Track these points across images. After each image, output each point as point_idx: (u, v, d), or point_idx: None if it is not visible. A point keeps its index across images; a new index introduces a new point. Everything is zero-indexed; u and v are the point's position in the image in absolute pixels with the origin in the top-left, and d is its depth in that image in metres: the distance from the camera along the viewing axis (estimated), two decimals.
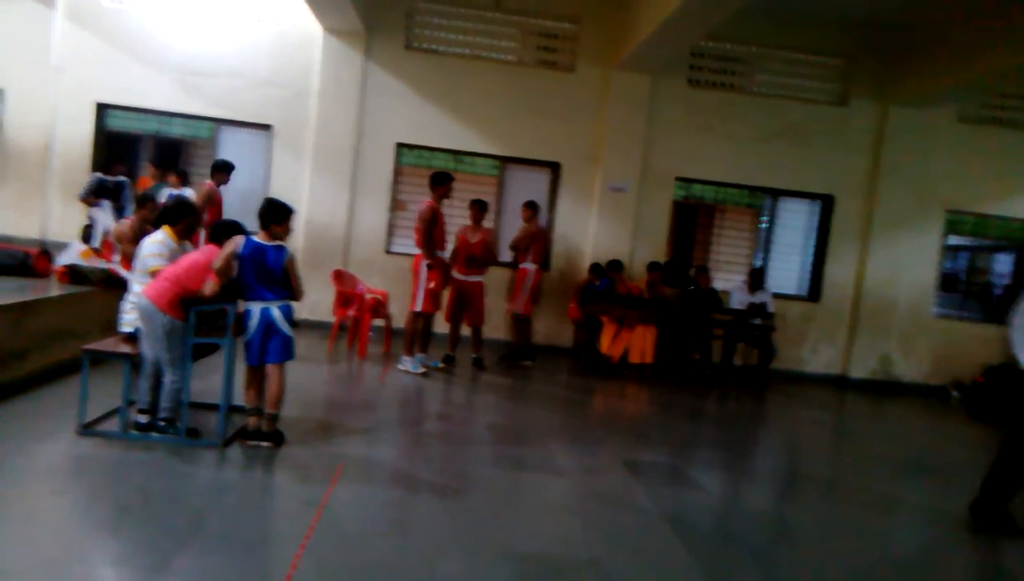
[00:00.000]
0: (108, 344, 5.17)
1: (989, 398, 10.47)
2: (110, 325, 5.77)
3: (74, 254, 7.40)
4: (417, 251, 7.91)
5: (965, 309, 11.63)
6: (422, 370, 7.84)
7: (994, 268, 12.96)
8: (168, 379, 4.88)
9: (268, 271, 4.88)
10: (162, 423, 4.92)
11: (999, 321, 11.19)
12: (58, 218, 9.88)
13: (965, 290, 12.32)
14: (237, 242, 4.84)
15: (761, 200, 11.15)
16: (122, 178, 9.22)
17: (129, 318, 5.14)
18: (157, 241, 5.17)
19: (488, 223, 10.10)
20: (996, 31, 8.67)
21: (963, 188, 10.88)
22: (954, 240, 11.64)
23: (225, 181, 8.87)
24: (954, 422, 9.31)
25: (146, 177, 9.62)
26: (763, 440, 7.59)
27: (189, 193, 9.14)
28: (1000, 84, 10.15)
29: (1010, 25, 8.45)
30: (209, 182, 8.74)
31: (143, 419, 4.92)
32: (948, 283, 11.82)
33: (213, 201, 8.45)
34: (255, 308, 4.91)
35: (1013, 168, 10.88)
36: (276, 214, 5.00)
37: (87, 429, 4.87)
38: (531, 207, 9.13)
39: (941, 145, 10.70)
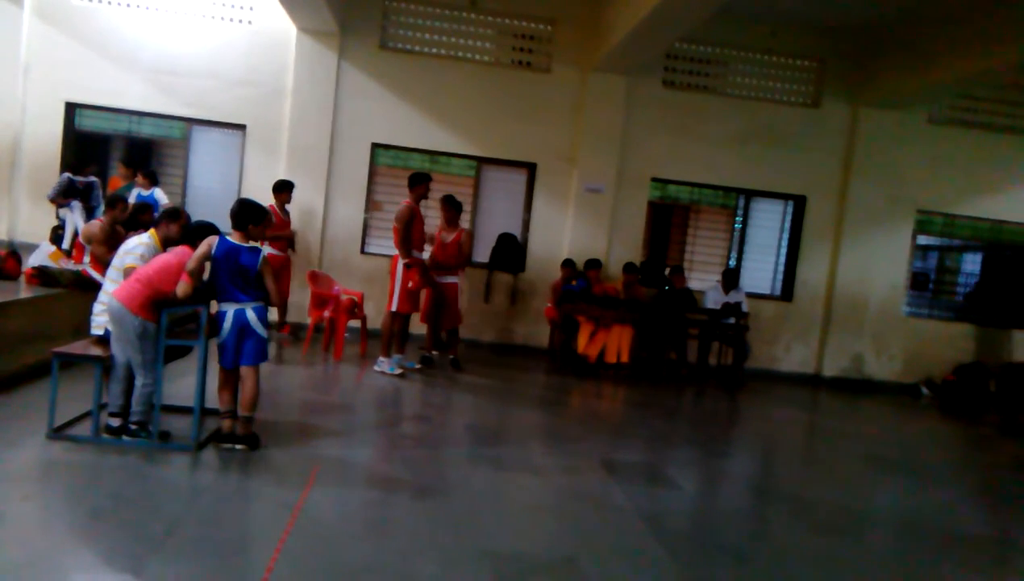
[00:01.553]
0: (79, 347, 5.09)
1: (959, 396, 10.66)
2: (81, 328, 5.68)
3: (43, 255, 7.27)
4: (394, 251, 7.88)
5: (935, 308, 11.81)
6: (399, 371, 7.81)
7: (963, 267, 13.19)
8: (140, 382, 4.80)
9: (243, 272, 4.83)
10: (134, 427, 4.84)
11: (969, 319, 11.43)
12: (27, 219, 9.72)
13: (935, 289, 12.53)
14: (210, 243, 4.78)
15: (735, 200, 11.25)
16: (92, 178, 9.08)
17: (100, 320, 5.08)
18: (143, 242, 5.15)
19: (464, 223, 10.12)
20: (965, 36, 8.82)
21: (933, 189, 11.05)
22: (924, 240, 11.81)
23: (288, 200, 9.06)
24: (925, 419, 9.45)
25: (117, 177, 9.50)
26: (738, 439, 7.65)
27: (159, 194, 9.06)
28: (969, 87, 10.31)
29: (978, 30, 8.60)
30: (270, 204, 8.82)
31: (115, 422, 4.84)
32: (918, 282, 12.00)
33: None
34: (229, 310, 4.86)
35: (981, 169, 11.07)
36: (255, 215, 4.97)
37: (57, 433, 4.80)
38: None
39: (911, 146, 10.85)
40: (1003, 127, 11.10)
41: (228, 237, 4.86)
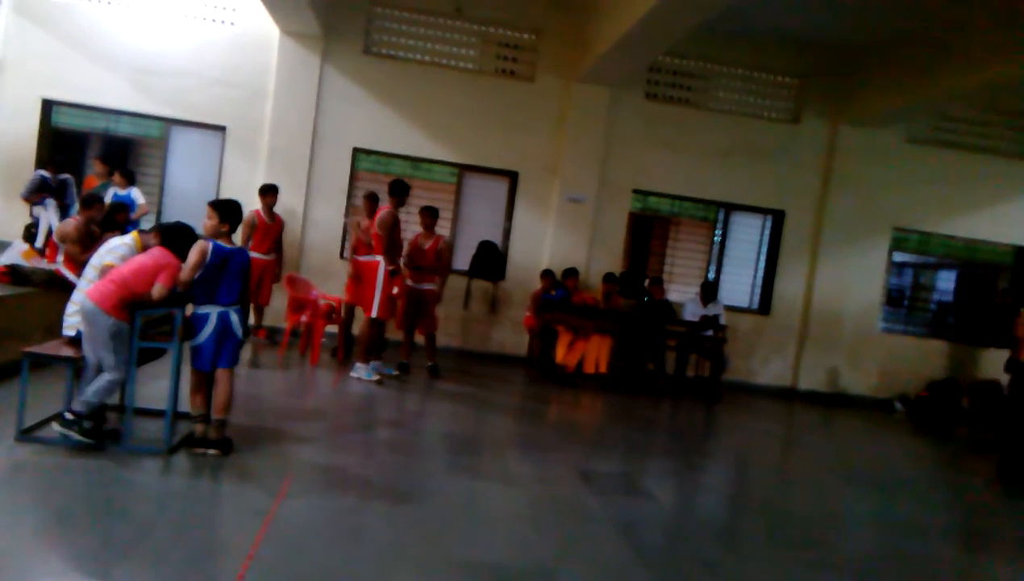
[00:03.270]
0: (50, 347, 5.00)
1: (932, 412, 10.77)
2: (53, 328, 5.58)
3: (16, 254, 7.14)
4: (373, 258, 7.83)
5: (910, 324, 11.94)
6: (376, 378, 7.75)
7: (937, 285, 13.36)
8: (106, 376, 4.62)
9: (233, 275, 4.82)
10: (70, 415, 4.60)
11: (942, 336, 11.57)
12: (0, 217, 9.55)
13: (910, 306, 12.67)
14: (203, 250, 4.73)
15: (715, 214, 11.32)
16: (66, 176, 8.96)
17: (72, 321, 4.99)
18: (125, 243, 5.12)
19: (445, 230, 10.11)
20: (943, 57, 8.96)
21: (909, 206, 11.18)
22: (900, 257, 11.95)
23: (273, 203, 9.06)
24: (898, 434, 9.54)
25: (92, 176, 9.37)
26: (714, 451, 7.68)
27: (136, 194, 8.95)
28: (947, 107, 10.46)
29: (956, 52, 8.75)
30: (256, 209, 8.83)
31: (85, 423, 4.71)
32: (894, 299, 12.13)
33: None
34: (212, 312, 4.81)
35: (958, 189, 11.22)
36: (239, 213, 4.97)
37: (25, 435, 4.69)
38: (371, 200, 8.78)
39: (889, 164, 10.98)
40: (979, 147, 11.26)
41: (217, 241, 4.81)
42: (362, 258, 8.43)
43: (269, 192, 9.00)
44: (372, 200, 8.81)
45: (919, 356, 11.28)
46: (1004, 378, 10.25)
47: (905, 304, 12.61)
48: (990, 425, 10.33)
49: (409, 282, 8.25)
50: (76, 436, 4.59)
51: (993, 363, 10.91)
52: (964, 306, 12.23)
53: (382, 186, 8.86)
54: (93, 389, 4.62)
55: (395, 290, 7.72)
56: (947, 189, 11.20)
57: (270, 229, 8.98)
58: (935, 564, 4.97)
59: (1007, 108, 10.99)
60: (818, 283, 11.01)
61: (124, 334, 4.65)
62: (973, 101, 10.16)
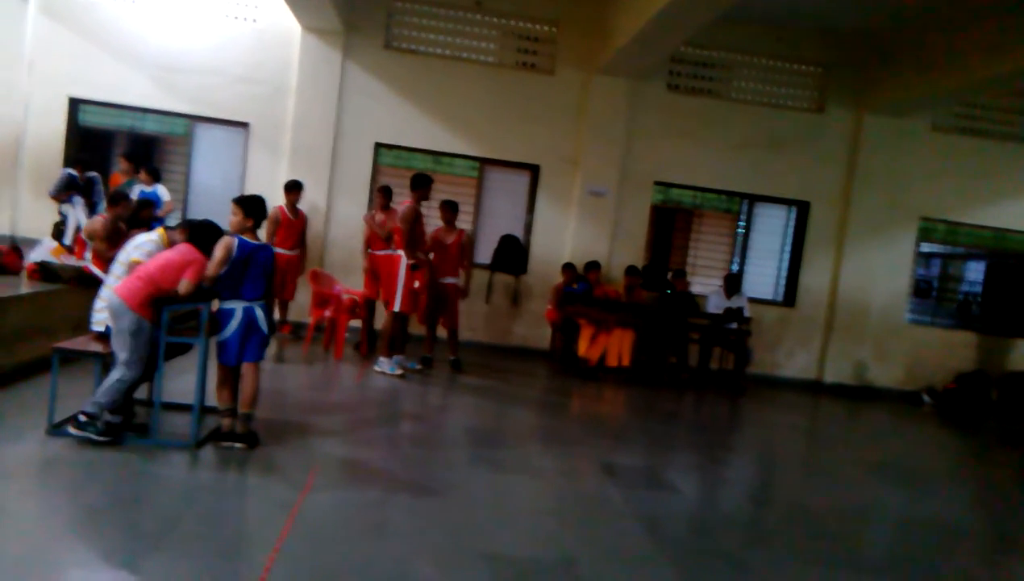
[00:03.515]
0: (79, 343, 5.08)
1: (961, 404, 10.63)
2: (81, 323, 5.67)
3: (45, 251, 7.27)
4: (395, 252, 7.87)
5: (938, 315, 11.78)
6: (399, 372, 7.79)
7: (966, 276, 13.16)
8: (115, 375, 4.66)
9: (260, 270, 4.88)
10: (82, 417, 4.65)
11: (971, 328, 11.41)
12: (29, 214, 9.70)
13: (938, 297, 12.50)
14: (229, 246, 4.78)
15: (738, 205, 11.22)
16: (93, 174, 9.07)
17: (101, 317, 5.06)
18: (152, 240, 5.18)
19: (466, 224, 10.12)
20: (969, 43, 8.79)
21: (936, 196, 11.02)
22: (927, 247, 11.79)
23: (297, 200, 9.09)
24: (926, 427, 9.42)
25: (118, 173, 9.48)
26: (738, 444, 7.63)
27: (161, 191, 9.05)
28: (973, 94, 10.28)
29: (983, 37, 8.58)
30: (279, 205, 8.93)
31: (114, 419, 4.79)
32: (921, 290, 11.97)
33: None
34: (238, 307, 4.86)
35: (985, 177, 11.04)
36: (264, 209, 5.06)
37: (57, 429, 4.78)
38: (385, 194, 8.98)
39: (915, 153, 10.83)
40: (1007, 135, 11.07)
41: (242, 236, 4.87)
42: (381, 253, 8.49)
43: (293, 189, 9.05)
44: (386, 194, 8.87)
45: (947, 348, 11.13)
46: None
47: (933, 295, 12.43)
48: (1020, 417, 10.19)
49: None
50: (93, 436, 4.65)
51: (1023, 354, 10.77)
52: (993, 297, 12.04)
53: (404, 181, 8.90)
54: (102, 389, 4.67)
55: (416, 284, 7.75)
56: (974, 178, 11.03)
57: (294, 225, 9.05)
58: (961, 561, 4.91)
59: None
60: (844, 274, 10.89)
61: (144, 332, 4.69)
62: (1000, 88, 9.97)
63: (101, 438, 4.66)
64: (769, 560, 4.43)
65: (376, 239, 8.73)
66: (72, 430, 4.65)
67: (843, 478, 6.61)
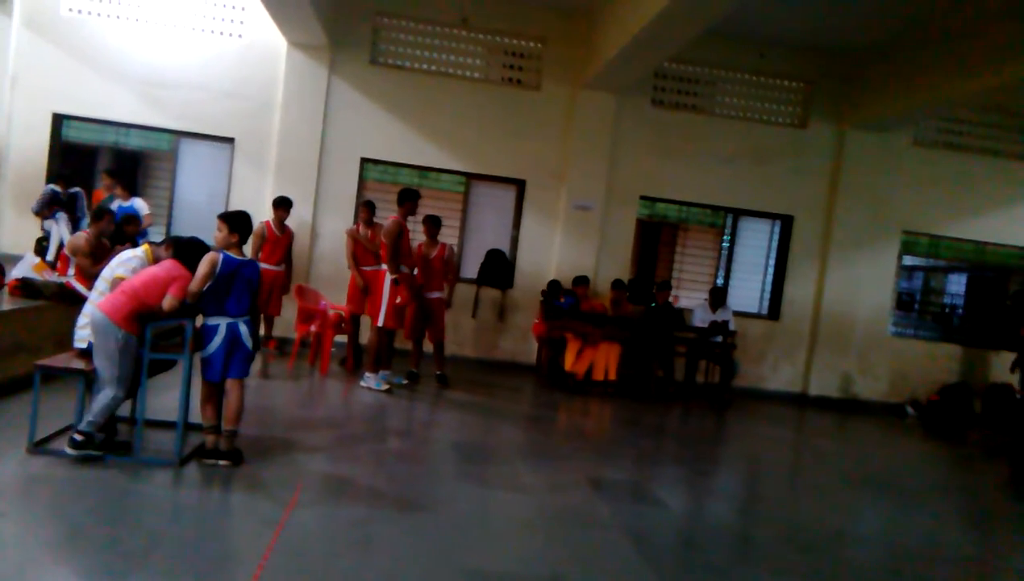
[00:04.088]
0: (61, 360, 5.03)
1: (944, 416, 10.70)
2: (64, 340, 5.63)
3: (27, 267, 7.20)
4: (381, 267, 7.86)
5: (921, 328, 11.88)
6: (385, 387, 7.77)
7: (948, 288, 13.30)
8: (107, 393, 4.64)
9: (244, 285, 4.86)
10: (78, 437, 4.61)
11: (953, 340, 11.51)
12: (11, 230, 9.64)
13: (920, 309, 12.61)
14: (214, 261, 4.76)
15: (723, 219, 11.30)
16: (76, 189, 9.03)
17: (84, 334, 5.01)
18: (137, 256, 5.18)
19: (453, 239, 10.13)
20: (950, 59, 8.94)
21: (918, 210, 11.15)
22: (909, 260, 11.90)
23: (285, 217, 9.05)
24: (910, 439, 9.47)
25: (101, 189, 9.44)
26: (725, 458, 7.64)
27: (139, 204, 8.99)
28: (954, 110, 10.43)
29: (963, 53, 8.72)
30: (266, 220, 8.92)
31: (98, 436, 4.75)
32: (904, 303, 12.08)
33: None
34: (222, 323, 4.84)
35: (966, 191, 11.18)
36: (249, 225, 5.04)
37: (38, 447, 4.73)
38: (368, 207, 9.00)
39: (897, 168, 10.96)
40: (987, 149, 11.24)
41: (228, 252, 4.85)
42: (369, 269, 8.49)
43: (282, 205, 9.00)
44: (369, 208, 8.87)
45: (930, 360, 11.23)
46: (1013, 379, 10.25)
47: (916, 308, 12.55)
48: (1003, 428, 10.26)
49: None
50: (93, 452, 4.65)
51: (1006, 366, 10.86)
52: (975, 309, 12.16)
53: (390, 196, 8.91)
54: (96, 408, 4.64)
55: (399, 299, 7.74)
56: (956, 192, 11.17)
57: (280, 241, 9.02)
58: (947, 570, 4.94)
59: (1015, 109, 10.97)
60: (828, 288, 10.98)
61: (132, 347, 4.67)
62: (981, 103, 10.12)
63: (97, 453, 4.66)
64: (756, 574, 4.43)
65: (365, 254, 8.72)
66: (70, 450, 4.61)
67: (829, 491, 6.64)
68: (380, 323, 7.76)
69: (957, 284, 13.03)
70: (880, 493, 6.74)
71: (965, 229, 11.37)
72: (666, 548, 4.70)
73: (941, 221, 11.30)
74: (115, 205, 8.78)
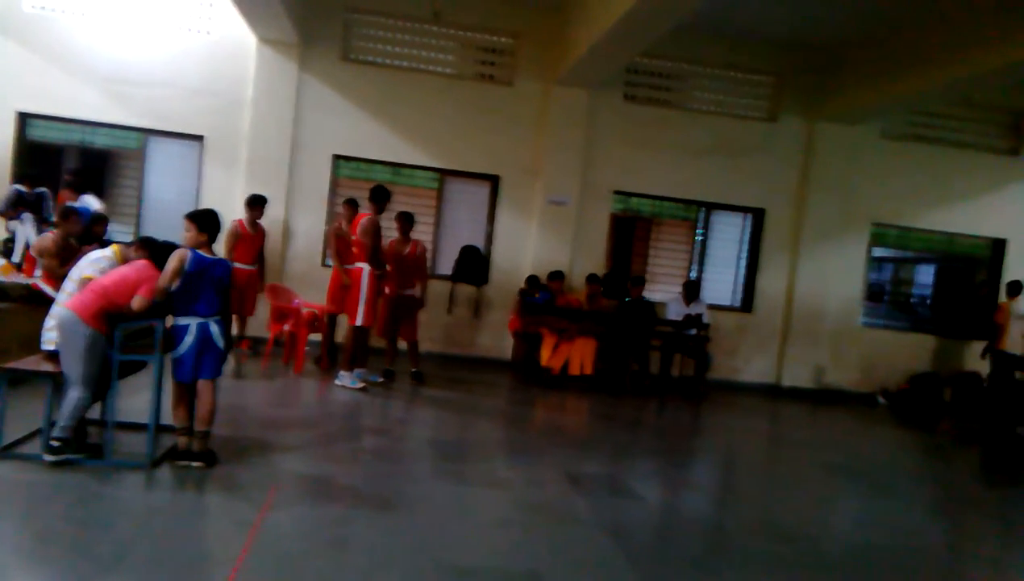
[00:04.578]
0: (29, 363, 4.93)
1: (914, 404, 10.87)
2: (31, 343, 5.51)
3: None
4: (355, 265, 7.80)
5: (891, 318, 12.05)
6: (361, 385, 7.73)
7: (917, 279, 13.50)
8: (74, 395, 4.57)
9: (215, 285, 4.80)
10: (56, 443, 4.54)
11: (923, 330, 11.69)
12: None
13: (890, 300, 12.79)
14: (182, 257, 4.69)
15: (696, 213, 11.37)
16: (42, 189, 8.87)
17: (51, 335, 4.92)
18: (106, 256, 5.11)
19: (427, 236, 10.09)
20: (917, 53, 9.08)
21: (887, 202, 11.30)
22: (879, 252, 12.06)
23: (259, 216, 8.96)
24: (880, 428, 9.60)
25: (66, 190, 9.29)
26: (700, 450, 7.70)
27: (89, 200, 8.86)
28: (922, 103, 10.57)
29: (929, 48, 8.86)
30: (239, 219, 8.83)
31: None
32: (874, 294, 12.24)
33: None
34: (192, 323, 4.77)
35: (934, 183, 11.35)
36: (218, 224, 4.97)
37: (6, 452, 4.65)
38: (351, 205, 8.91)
39: (866, 161, 11.10)
40: (954, 142, 11.42)
41: (198, 250, 4.79)
42: (353, 266, 8.40)
43: (256, 204, 8.88)
44: (352, 206, 8.79)
45: (900, 350, 11.40)
46: (982, 366, 10.43)
47: (885, 299, 12.72)
48: (971, 416, 10.44)
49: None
50: (72, 456, 4.59)
51: (974, 355, 11.06)
52: (943, 299, 12.36)
53: (363, 193, 8.83)
54: (66, 411, 4.57)
55: (386, 290, 7.78)
56: (924, 184, 11.34)
57: (253, 240, 8.92)
58: (921, 558, 5.01)
59: (981, 102, 11.15)
60: (799, 280, 11.09)
61: (99, 346, 4.60)
62: (947, 96, 10.27)
63: (76, 456, 4.60)
64: (733, 564, 4.47)
65: (347, 252, 8.57)
66: (48, 456, 4.53)
67: (803, 480, 6.71)
68: (358, 322, 7.71)
69: (926, 275, 13.22)
70: (853, 482, 6.82)
71: (934, 220, 11.55)
72: (643, 541, 4.72)
73: (910, 213, 11.46)
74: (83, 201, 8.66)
